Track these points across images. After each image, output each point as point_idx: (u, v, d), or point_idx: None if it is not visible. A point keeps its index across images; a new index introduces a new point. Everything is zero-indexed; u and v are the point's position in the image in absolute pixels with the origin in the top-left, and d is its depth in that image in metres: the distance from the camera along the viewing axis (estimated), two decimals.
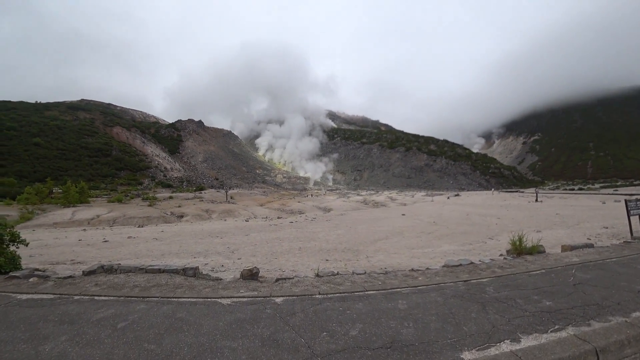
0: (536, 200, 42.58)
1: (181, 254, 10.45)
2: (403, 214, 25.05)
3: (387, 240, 12.83)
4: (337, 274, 6.03)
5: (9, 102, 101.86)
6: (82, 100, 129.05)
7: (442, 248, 10.55)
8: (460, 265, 6.40)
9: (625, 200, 10.07)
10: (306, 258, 9.30)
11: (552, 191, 71.84)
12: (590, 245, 7.91)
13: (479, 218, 19.65)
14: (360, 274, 5.97)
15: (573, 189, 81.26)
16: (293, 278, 5.79)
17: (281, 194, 71.64)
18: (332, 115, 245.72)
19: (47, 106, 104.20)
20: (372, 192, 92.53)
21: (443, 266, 6.50)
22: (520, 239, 7.22)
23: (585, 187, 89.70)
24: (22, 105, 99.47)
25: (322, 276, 5.86)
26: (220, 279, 5.92)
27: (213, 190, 65.96)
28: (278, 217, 30.65)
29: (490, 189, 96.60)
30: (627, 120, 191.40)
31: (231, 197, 50.17)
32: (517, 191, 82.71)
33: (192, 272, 6.05)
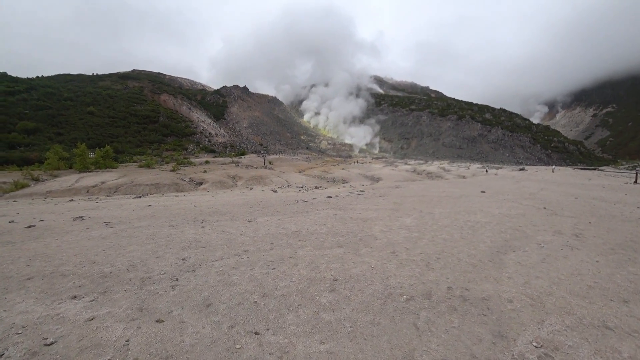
0: (635, 181, 35.24)
1: (69, 275, 2.91)
2: (482, 191, 20.29)
3: (515, 253, 5.60)
4: None
5: (69, 74, 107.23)
6: (134, 70, 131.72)
7: None
8: None
9: None
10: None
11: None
12: None
13: (605, 206, 14.19)
14: None
15: None
16: None
17: (324, 161, 65.16)
18: (379, 81, 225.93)
19: (102, 77, 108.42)
20: (421, 161, 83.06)
21: None
22: None
23: None
24: (79, 77, 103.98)
25: None
26: None
27: (254, 155, 63.50)
28: (316, 188, 23.79)
29: (551, 165, 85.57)
30: None
31: (269, 163, 45.97)
32: (594, 169, 71.51)
33: None
